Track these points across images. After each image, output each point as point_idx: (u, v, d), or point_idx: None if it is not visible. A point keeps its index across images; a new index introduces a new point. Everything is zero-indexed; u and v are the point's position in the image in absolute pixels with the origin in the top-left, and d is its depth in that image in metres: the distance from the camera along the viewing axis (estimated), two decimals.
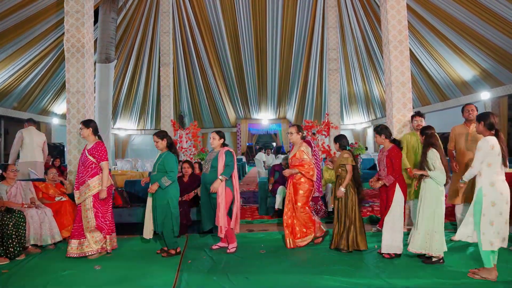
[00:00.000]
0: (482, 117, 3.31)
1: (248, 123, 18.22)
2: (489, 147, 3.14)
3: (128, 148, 17.89)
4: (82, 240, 4.03)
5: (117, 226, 4.97)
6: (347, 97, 16.60)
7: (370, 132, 17.52)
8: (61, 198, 4.90)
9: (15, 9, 8.03)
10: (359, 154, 9.19)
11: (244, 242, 4.55)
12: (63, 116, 13.72)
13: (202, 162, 7.23)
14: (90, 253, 3.99)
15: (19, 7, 8.06)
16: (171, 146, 4.22)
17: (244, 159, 15.44)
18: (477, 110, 4.40)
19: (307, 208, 4.37)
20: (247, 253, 4.11)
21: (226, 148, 4.31)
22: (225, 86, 16.37)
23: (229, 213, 4.21)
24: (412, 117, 4.71)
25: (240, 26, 13.37)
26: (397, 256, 3.80)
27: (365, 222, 5.47)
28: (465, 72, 10.14)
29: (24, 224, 4.20)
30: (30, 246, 4.27)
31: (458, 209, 4.54)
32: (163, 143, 4.17)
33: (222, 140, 4.35)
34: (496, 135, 3.21)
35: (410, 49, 5.45)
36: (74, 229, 4.06)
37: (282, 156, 12.05)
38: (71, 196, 5.06)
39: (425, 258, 3.65)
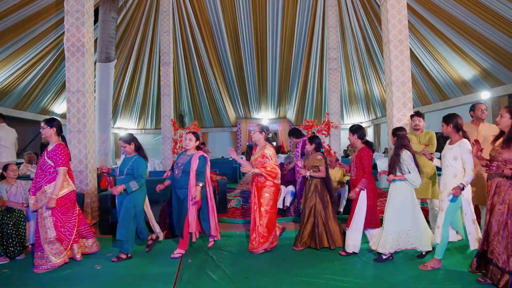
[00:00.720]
0: (450, 119, 3.47)
1: (248, 122, 18.21)
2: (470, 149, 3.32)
3: None
4: (40, 253, 3.66)
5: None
6: (347, 97, 16.59)
7: (370, 131, 17.51)
8: None
9: (15, 8, 8.02)
10: None
11: (244, 241, 4.56)
12: (63, 116, 13.72)
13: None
14: (48, 267, 3.63)
15: (19, 7, 8.05)
16: (140, 150, 4.13)
17: (244, 159, 15.44)
18: (486, 110, 4.40)
19: (272, 212, 4.22)
20: (247, 253, 4.12)
21: (200, 153, 4.14)
22: (225, 86, 16.36)
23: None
24: (411, 117, 4.70)
25: (240, 26, 13.36)
26: (355, 254, 3.94)
27: None
28: (465, 71, 10.13)
29: (24, 224, 4.21)
30: (30, 246, 4.28)
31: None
32: (131, 147, 4.06)
33: (198, 142, 4.22)
34: (465, 136, 3.42)
35: (410, 49, 5.44)
36: (36, 240, 3.72)
37: (283, 155, 12.05)
38: None
39: (419, 255, 3.78)
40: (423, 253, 3.76)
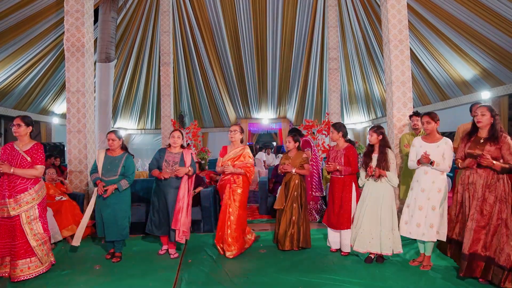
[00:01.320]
0: (437, 117, 3.66)
1: (248, 122, 18.19)
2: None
3: (128, 147, 17.79)
4: (32, 258, 3.47)
5: None
6: (347, 96, 16.58)
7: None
8: (61, 197, 4.90)
9: (15, 8, 8.02)
10: (360, 153, 9.17)
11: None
12: (63, 116, 13.72)
13: (202, 162, 7.23)
14: (41, 272, 3.53)
15: (19, 7, 8.05)
16: (126, 148, 4.18)
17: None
18: None
19: (245, 211, 4.27)
20: (247, 253, 4.11)
21: (190, 150, 4.31)
22: (225, 86, 16.34)
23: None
24: (410, 117, 4.69)
25: (240, 25, 13.35)
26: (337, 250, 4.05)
27: None
28: (465, 71, 10.12)
29: None
30: None
31: None
32: (119, 143, 4.07)
33: (122, 140, 4.25)
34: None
35: (410, 48, 5.44)
36: (18, 247, 3.41)
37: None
38: (71, 196, 5.08)
39: (378, 257, 3.76)
40: (382, 256, 3.77)
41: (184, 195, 4.04)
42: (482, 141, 3.22)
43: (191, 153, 4.26)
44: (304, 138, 5.41)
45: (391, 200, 3.71)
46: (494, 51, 8.71)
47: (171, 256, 4.02)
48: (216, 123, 18.11)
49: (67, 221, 4.61)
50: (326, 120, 8.41)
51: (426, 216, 3.45)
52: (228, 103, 17.28)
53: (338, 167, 3.94)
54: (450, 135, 11.02)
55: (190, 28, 13.73)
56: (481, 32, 8.53)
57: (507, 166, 3.03)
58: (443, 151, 3.47)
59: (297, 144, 4.43)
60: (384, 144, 3.77)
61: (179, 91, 16.16)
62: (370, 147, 3.88)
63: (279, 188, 5.79)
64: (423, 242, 3.54)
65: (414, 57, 11.02)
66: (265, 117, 18.08)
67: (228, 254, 3.97)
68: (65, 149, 12.54)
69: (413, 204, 3.56)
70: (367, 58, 13.76)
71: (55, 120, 13.69)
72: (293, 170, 4.24)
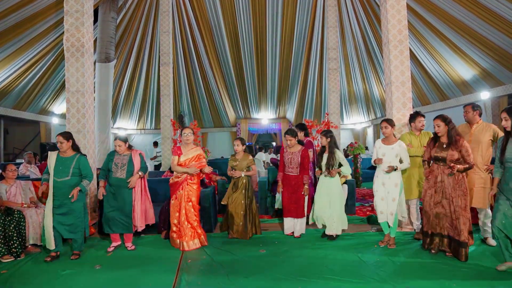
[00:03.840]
0: (393, 122, 4.27)
1: (248, 122, 18.20)
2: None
3: None
4: None
5: None
6: (347, 97, 16.59)
7: (370, 131, 17.51)
8: None
9: (14, 8, 8.02)
10: (359, 153, 9.18)
11: (244, 241, 4.56)
12: (63, 116, 13.72)
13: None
14: None
15: (18, 7, 8.05)
16: (78, 149, 4.19)
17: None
18: (473, 110, 4.36)
19: (198, 208, 4.57)
20: (247, 253, 4.12)
21: (138, 151, 4.49)
22: (225, 86, 16.35)
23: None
24: (414, 117, 4.68)
25: (240, 26, 13.36)
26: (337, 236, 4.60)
27: (364, 222, 5.50)
28: (465, 71, 10.13)
29: (24, 224, 4.21)
30: (29, 246, 4.28)
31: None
32: (68, 145, 4.05)
33: (127, 143, 4.44)
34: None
35: (409, 49, 5.44)
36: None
37: None
38: None
39: (329, 236, 4.56)
40: (334, 236, 4.55)
41: (137, 195, 4.37)
42: (445, 146, 3.79)
43: (140, 153, 4.45)
44: (307, 139, 5.50)
45: (339, 189, 4.57)
46: (493, 51, 8.72)
47: (128, 249, 4.29)
48: (216, 123, 18.11)
49: None
50: (326, 120, 8.41)
51: (387, 205, 4.17)
52: (228, 103, 17.28)
53: (237, 174, 4.77)
54: None
55: (190, 28, 13.74)
56: (480, 33, 8.54)
57: (467, 166, 3.64)
58: (397, 152, 4.16)
59: (244, 147, 4.87)
60: (333, 146, 4.55)
61: (178, 91, 16.16)
62: (323, 148, 4.67)
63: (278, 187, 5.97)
64: (389, 226, 4.25)
65: (413, 57, 11.03)
66: (265, 117, 18.08)
67: (190, 244, 4.31)
68: None
69: (377, 195, 4.28)
70: (366, 58, 13.77)
71: (55, 120, 13.68)
72: (242, 174, 4.75)
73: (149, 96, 16.41)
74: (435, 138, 3.92)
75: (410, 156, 4.53)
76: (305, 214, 4.74)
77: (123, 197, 4.25)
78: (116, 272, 3.61)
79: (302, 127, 5.44)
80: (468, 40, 9.01)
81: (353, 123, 17.80)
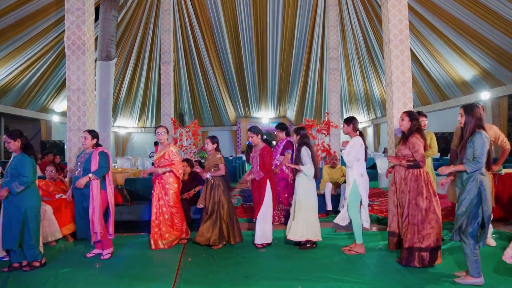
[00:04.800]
0: (350, 120, 4.09)
1: (248, 121, 18.21)
2: (359, 145, 3.93)
3: (128, 146, 17.90)
4: None
5: (117, 224, 4.97)
6: (347, 96, 16.60)
7: (370, 131, 17.53)
8: (61, 195, 4.91)
9: (15, 6, 8.02)
10: None
11: (244, 240, 4.56)
12: (63, 114, 13.73)
13: (202, 161, 7.24)
14: None
15: (19, 4, 8.05)
16: (27, 148, 3.70)
17: (244, 158, 15.46)
18: (483, 110, 4.36)
19: (178, 207, 4.45)
20: (247, 252, 4.12)
21: (100, 149, 4.10)
22: (226, 85, 16.36)
23: (105, 218, 4.01)
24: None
25: (240, 25, 13.36)
26: (268, 245, 4.27)
27: None
28: (465, 72, 10.13)
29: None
30: None
31: None
32: (16, 144, 3.66)
33: (95, 140, 4.12)
34: (361, 135, 4.05)
35: (410, 49, 5.44)
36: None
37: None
38: None
39: (300, 245, 4.18)
40: (302, 242, 4.20)
41: (94, 197, 3.91)
42: (401, 143, 3.69)
43: (103, 152, 4.05)
44: (287, 139, 5.18)
45: (304, 191, 4.16)
46: (493, 51, 8.72)
47: (101, 257, 3.94)
48: (216, 122, 18.13)
49: (67, 219, 4.62)
50: (326, 120, 8.42)
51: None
52: (228, 102, 17.29)
53: (204, 175, 4.41)
54: (450, 135, 11.06)
55: (191, 27, 13.74)
56: (481, 33, 8.54)
57: (411, 163, 3.49)
58: (348, 150, 3.99)
59: (215, 145, 4.55)
60: (301, 143, 4.26)
61: (179, 89, 16.17)
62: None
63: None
64: None
65: (414, 57, 11.04)
66: (265, 116, 18.09)
67: (164, 242, 4.25)
68: (65, 147, 12.54)
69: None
70: (367, 58, 13.77)
71: (55, 118, 13.69)
72: (208, 175, 4.38)
73: (149, 95, 16.42)
74: (403, 134, 3.79)
75: None
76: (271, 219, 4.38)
77: (81, 198, 3.93)
78: (116, 271, 3.62)
79: (282, 126, 5.25)
80: (468, 40, 9.01)
81: None
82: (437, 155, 9.98)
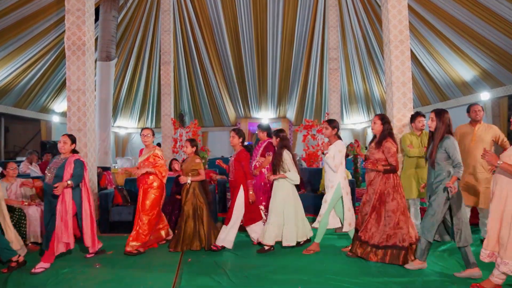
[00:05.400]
0: (334, 123, 4.08)
1: (248, 122, 18.20)
2: (344, 149, 4.00)
3: (128, 146, 17.89)
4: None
5: (117, 225, 4.99)
6: (347, 97, 16.58)
7: (369, 132, 17.52)
8: None
9: (16, 6, 8.03)
10: (358, 154, 9.17)
11: (244, 241, 4.57)
12: (64, 114, 13.72)
13: (202, 161, 7.18)
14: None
15: (20, 5, 8.06)
16: None
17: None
18: (483, 110, 4.38)
19: (155, 212, 4.26)
20: (247, 252, 4.13)
21: (76, 156, 3.87)
22: (226, 85, 16.35)
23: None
24: (414, 117, 4.69)
25: (240, 25, 13.36)
26: (223, 248, 4.19)
27: None
28: (465, 72, 10.13)
29: (24, 222, 4.22)
30: (30, 244, 4.28)
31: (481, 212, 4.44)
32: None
33: (74, 145, 3.95)
34: (339, 138, 4.09)
35: (410, 49, 5.44)
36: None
37: None
38: None
39: (262, 248, 4.13)
40: (301, 242, 4.25)
41: (63, 207, 3.68)
42: (375, 146, 3.73)
43: (78, 161, 3.83)
44: (268, 140, 4.91)
45: (282, 195, 4.10)
46: (494, 52, 8.72)
47: (33, 270, 3.55)
48: (216, 122, 18.11)
49: None
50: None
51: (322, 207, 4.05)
52: (228, 102, 17.28)
53: (183, 180, 4.26)
54: None
55: (191, 27, 13.74)
56: (481, 33, 8.54)
57: (388, 167, 3.58)
58: (331, 153, 3.97)
59: (194, 149, 4.45)
60: (281, 146, 4.16)
61: (179, 90, 16.16)
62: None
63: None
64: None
65: (414, 57, 11.03)
66: (265, 117, 18.08)
67: (131, 244, 4.08)
68: None
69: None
70: (367, 59, 13.77)
71: (55, 119, 13.69)
72: (188, 180, 4.28)
73: (149, 95, 16.41)
74: (373, 137, 3.90)
75: (410, 157, 4.54)
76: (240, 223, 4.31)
77: (50, 206, 3.73)
78: (116, 271, 3.62)
79: (264, 127, 4.98)
80: (468, 40, 9.01)
81: (353, 123, 17.81)
82: None
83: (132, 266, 3.74)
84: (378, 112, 15.93)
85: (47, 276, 3.46)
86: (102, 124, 9.55)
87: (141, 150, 4.50)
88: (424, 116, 4.64)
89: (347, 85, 15.89)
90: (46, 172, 3.78)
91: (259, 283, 3.26)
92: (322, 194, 5.80)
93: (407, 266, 3.46)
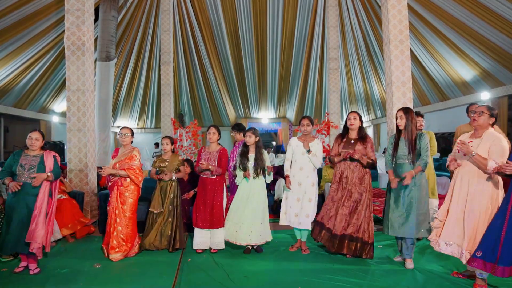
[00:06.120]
0: (313, 119, 4.24)
1: (248, 122, 18.20)
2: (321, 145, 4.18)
3: None
4: None
5: None
6: (347, 97, 16.59)
7: (370, 131, 17.51)
8: (61, 196, 4.90)
9: (15, 6, 8.03)
10: None
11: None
12: (63, 114, 13.72)
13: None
14: None
15: (19, 5, 8.05)
16: None
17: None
18: None
19: (134, 217, 4.15)
20: (246, 252, 4.12)
21: (52, 152, 3.75)
22: (225, 85, 16.36)
23: None
24: None
25: (240, 25, 13.36)
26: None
27: None
28: (465, 72, 10.13)
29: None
30: None
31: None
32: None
33: (44, 142, 3.74)
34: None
35: (410, 49, 5.44)
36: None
37: (283, 155, 12.05)
38: (71, 194, 5.09)
39: (258, 248, 4.13)
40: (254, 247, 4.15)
41: (43, 203, 3.52)
42: (352, 141, 3.90)
43: (54, 156, 3.72)
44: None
45: (264, 195, 4.15)
46: (493, 51, 8.72)
47: (31, 272, 3.49)
48: (216, 122, 18.11)
49: (67, 219, 4.63)
50: (326, 120, 8.41)
51: (302, 207, 4.03)
52: (228, 102, 17.29)
53: (210, 167, 4.06)
54: (450, 135, 11.04)
55: (191, 27, 13.74)
56: (480, 33, 8.54)
57: (370, 161, 3.80)
58: (315, 151, 4.03)
59: (173, 146, 4.48)
60: (261, 145, 4.18)
61: (179, 90, 16.17)
62: (246, 148, 4.15)
63: (277, 181, 5.87)
64: (300, 230, 4.12)
65: (414, 57, 11.04)
66: (265, 117, 18.09)
67: (111, 256, 3.87)
68: (65, 147, 12.54)
69: (291, 196, 4.12)
70: (367, 58, 13.77)
71: (55, 119, 13.69)
72: (173, 177, 4.26)
73: (149, 95, 16.42)
74: (343, 134, 4.01)
75: None
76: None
77: (26, 205, 3.48)
78: (115, 271, 3.61)
79: (239, 127, 4.89)
80: (468, 40, 9.01)
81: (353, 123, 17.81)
82: (437, 155, 9.98)
83: (132, 266, 3.73)
84: (379, 112, 15.94)
85: (47, 276, 3.45)
86: (102, 124, 9.54)
87: (117, 149, 4.28)
88: (422, 116, 4.64)
89: (347, 85, 15.90)
90: (19, 173, 3.50)
91: (259, 283, 3.25)
92: (322, 194, 5.82)
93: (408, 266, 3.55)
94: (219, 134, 4.28)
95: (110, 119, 10.22)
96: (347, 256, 3.81)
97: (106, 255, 3.94)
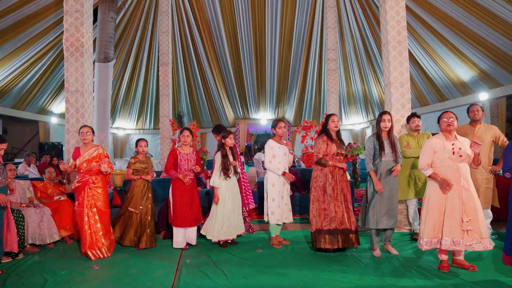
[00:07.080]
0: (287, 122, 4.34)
1: (247, 123, 18.21)
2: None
3: (127, 147, 17.87)
4: None
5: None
6: (346, 97, 16.61)
7: (368, 132, 17.53)
8: (60, 197, 4.90)
9: (14, 7, 8.02)
10: (358, 154, 9.18)
11: (243, 241, 4.57)
12: (62, 115, 13.70)
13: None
14: None
15: (18, 6, 8.05)
16: None
17: (243, 159, 15.47)
18: (482, 110, 4.40)
19: (108, 212, 4.25)
20: (245, 253, 4.12)
21: None
22: (224, 86, 16.36)
23: None
24: (410, 118, 4.71)
25: (239, 26, 13.37)
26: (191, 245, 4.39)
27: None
28: (463, 73, 10.16)
29: (23, 224, 4.20)
30: (28, 246, 4.27)
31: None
32: None
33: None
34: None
35: (408, 50, 5.45)
36: None
37: None
38: (70, 196, 5.08)
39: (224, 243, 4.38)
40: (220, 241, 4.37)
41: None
42: (339, 142, 4.09)
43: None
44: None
45: (237, 195, 4.45)
46: (492, 52, 8.75)
47: None
48: (215, 123, 18.07)
49: (65, 220, 4.62)
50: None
51: (286, 203, 4.40)
52: (227, 103, 17.29)
53: (149, 178, 4.48)
54: None
55: (189, 29, 13.75)
56: (479, 34, 8.57)
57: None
58: (285, 151, 4.37)
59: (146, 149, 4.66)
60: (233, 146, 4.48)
61: (177, 91, 16.16)
62: (230, 149, 4.43)
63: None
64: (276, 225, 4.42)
65: (412, 58, 11.06)
66: (264, 118, 18.08)
67: (102, 252, 4.04)
68: (63, 148, 12.53)
69: (277, 196, 4.30)
70: (365, 59, 13.79)
71: (54, 120, 13.67)
72: (149, 177, 4.53)
73: (148, 96, 16.41)
74: (327, 134, 4.07)
75: (407, 157, 4.54)
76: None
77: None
78: (114, 271, 3.61)
79: (219, 129, 4.88)
80: (466, 41, 9.03)
81: (352, 123, 17.83)
82: None
83: (131, 267, 3.73)
84: (377, 112, 15.96)
85: (45, 278, 3.45)
86: (100, 125, 9.52)
87: (77, 149, 4.21)
88: (419, 117, 4.66)
89: (346, 86, 15.92)
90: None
91: (258, 284, 3.25)
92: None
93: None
94: (191, 132, 4.51)
95: (109, 120, 10.21)
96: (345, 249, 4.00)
97: (93, 258, 3.96)
